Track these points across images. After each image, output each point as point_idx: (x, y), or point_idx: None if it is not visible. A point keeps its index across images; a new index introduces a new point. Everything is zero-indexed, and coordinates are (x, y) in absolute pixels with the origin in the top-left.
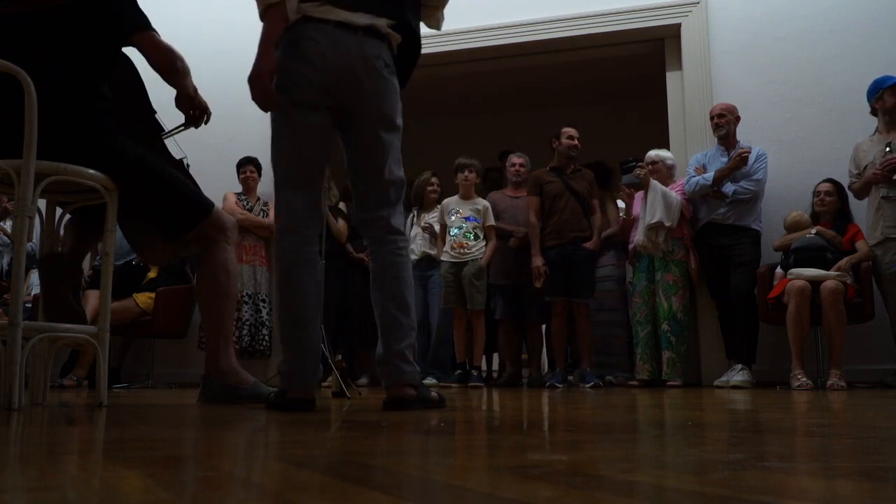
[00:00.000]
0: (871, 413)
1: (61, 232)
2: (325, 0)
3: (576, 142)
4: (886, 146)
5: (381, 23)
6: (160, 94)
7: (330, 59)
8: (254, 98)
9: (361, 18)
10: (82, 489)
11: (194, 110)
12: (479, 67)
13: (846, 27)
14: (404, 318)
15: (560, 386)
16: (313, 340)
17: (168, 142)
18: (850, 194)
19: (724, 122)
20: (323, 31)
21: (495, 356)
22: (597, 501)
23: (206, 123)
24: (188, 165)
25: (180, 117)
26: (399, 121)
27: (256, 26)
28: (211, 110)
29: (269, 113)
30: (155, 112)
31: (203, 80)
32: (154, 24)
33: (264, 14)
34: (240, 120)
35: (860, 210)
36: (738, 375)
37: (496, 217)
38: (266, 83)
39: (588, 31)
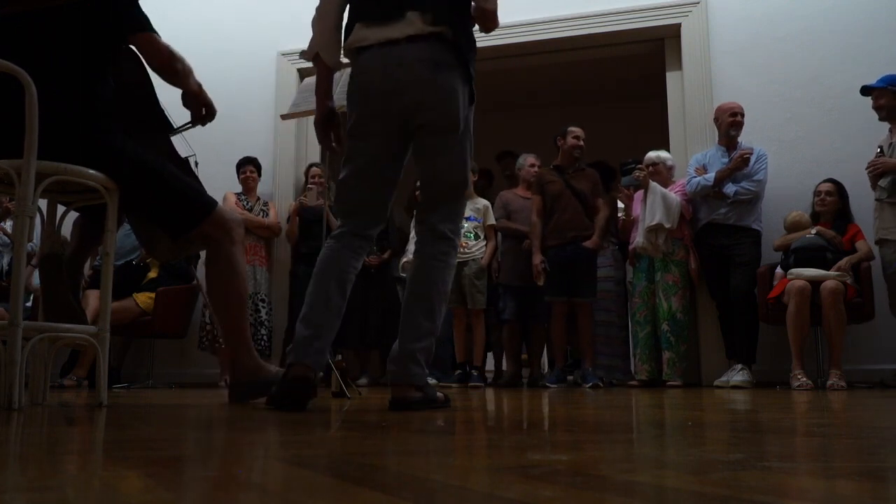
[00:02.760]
0: (871, 413)
1: (62, 232)
2: (369, 18)
3: (580, 142)
4: (878, 147)
5: (419, 27)
6: (167, 91)
7: (379, 85)
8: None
9: (402, 30)
10: (82, 489)
11: (200, 108)
12: (479, 67)
13: (846, 27)
14: (426, 320)
15: (554, 386)
16: (330, 329)
17: (176, 140)
18: (850, 194)
19: (742, 122)
20: (371, 58)
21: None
22: (597, 501)
23: (211, 121)
24: (196, 164)
25: (186, 115)
26: (458, 117)
27: (255, 26)
28: (216, 108)
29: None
30: (163, 109)
31: (203, 81)
32: (154, 24)
33: (314, 65)
34: (239, 120)
35: (861, 210)
36: (738, 375)
37: (508, 217)
38: (320, 128)
39: (588, 31)
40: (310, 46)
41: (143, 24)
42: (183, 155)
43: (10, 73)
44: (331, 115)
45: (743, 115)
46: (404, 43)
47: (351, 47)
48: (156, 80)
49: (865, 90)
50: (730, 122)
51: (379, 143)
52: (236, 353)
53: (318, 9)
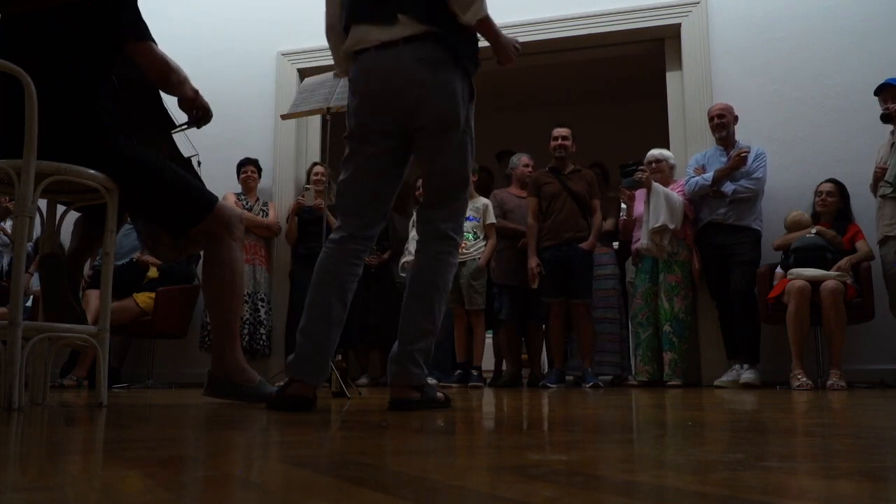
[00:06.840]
0: (871, 413)
1: (63, 232)
2: (365, 18)
3: (560, 141)
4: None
5: (414, 27)
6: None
7: (375, 88)
8: None
9: (400, 31)
10: (82, 489)
11: (196, 111)
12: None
13: (846, 27)
14: (425, 321)
15: (553, 386)
16: (330, 341)
17: (180, 140)
18: (850, 194)
19: (725, 122)
20: (365, 61)
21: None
22: (597, 501)
23: (207, 124)
24: (199, 164)
25: (185, 115)
26: (457, 115)
27: (255, 26)
28: (212, 111)
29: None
30: (166, 109)
31: (202, 81)
32: (152, 25)
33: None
34: (240, 120)
35: (861, 210)
36: (746, 374)
37: (504, 216)
38: None
39: (588, 31)
40: (337, 64)
41: (141, 34)
42: (185, 155)
43: (10, 72)
44: None
45: (722, 117)
46: (402, 44)
47: (350, 50)
48: None
49: (883, 86)
50: (715, 125)
51: (380, 145)
52: (223, 350)
53: (326, 18)
